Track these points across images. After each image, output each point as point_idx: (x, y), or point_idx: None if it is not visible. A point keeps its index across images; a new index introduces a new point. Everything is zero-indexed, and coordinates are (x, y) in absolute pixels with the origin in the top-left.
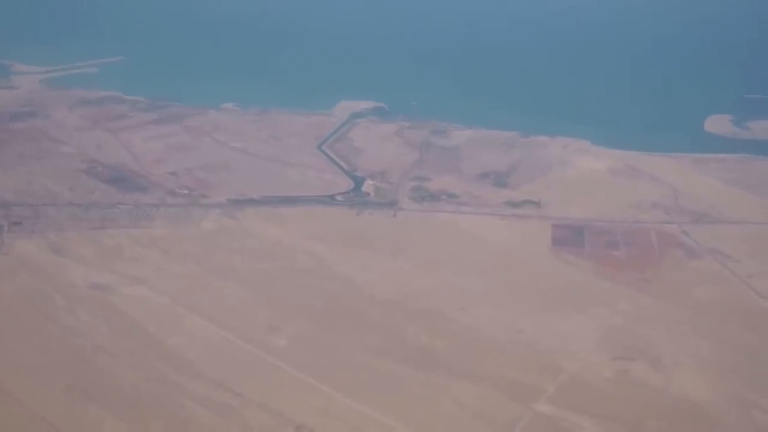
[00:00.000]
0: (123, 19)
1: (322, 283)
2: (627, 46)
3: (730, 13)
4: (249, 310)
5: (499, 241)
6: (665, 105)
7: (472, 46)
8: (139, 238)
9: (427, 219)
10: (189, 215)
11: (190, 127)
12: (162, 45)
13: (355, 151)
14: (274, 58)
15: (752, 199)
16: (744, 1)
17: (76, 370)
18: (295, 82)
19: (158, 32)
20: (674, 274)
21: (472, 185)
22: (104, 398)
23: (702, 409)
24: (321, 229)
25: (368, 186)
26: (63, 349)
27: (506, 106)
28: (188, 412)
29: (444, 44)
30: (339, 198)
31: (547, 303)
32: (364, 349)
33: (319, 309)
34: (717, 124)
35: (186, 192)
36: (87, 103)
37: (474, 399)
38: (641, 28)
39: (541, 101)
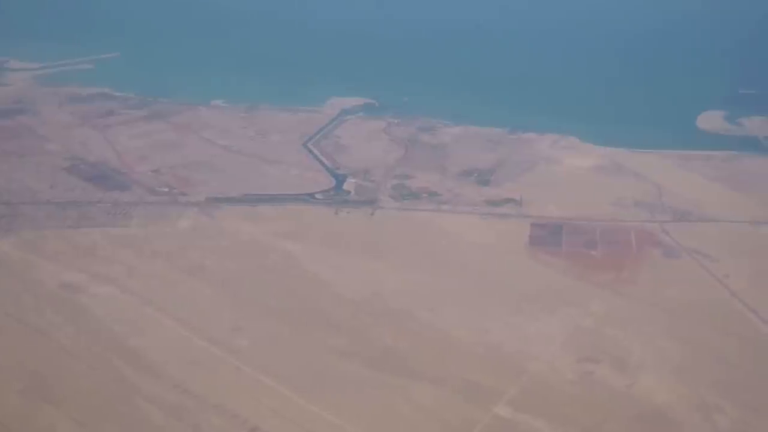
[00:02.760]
0: (120, 15)
1: (292, 283)
2: (622, 41)
3: (728, 6)
4: (215, 310)
5: (475, 240)
6: (659, 101)
7: (466, 40)
8: (114, 237)
9: (405, 218)
10: (166, 213)
11: (177, 124)
12: (159, 41)
13: (340, 148)
14: (271, 53)
15: (737, 196)
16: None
17: (36, 370)
18: (288, 78)
19: (156, 28)
20: (650, 274)
21: (455, 183)
22: (60, 400)
23: (663, 412)
24: (296, 228)
25: (350, 184)
26: (25, 350)
27: (498, 102)
28: (143, 414)
29: (438, 39)
30: (319, 196)
31: (517, 304)
32: (326, 350)
33: (286, 309)
34: (709, 120)
35: (166, 190)
36: (77, 100)
37: (432, 401)
38: (636, 21)
39: (533, 97)
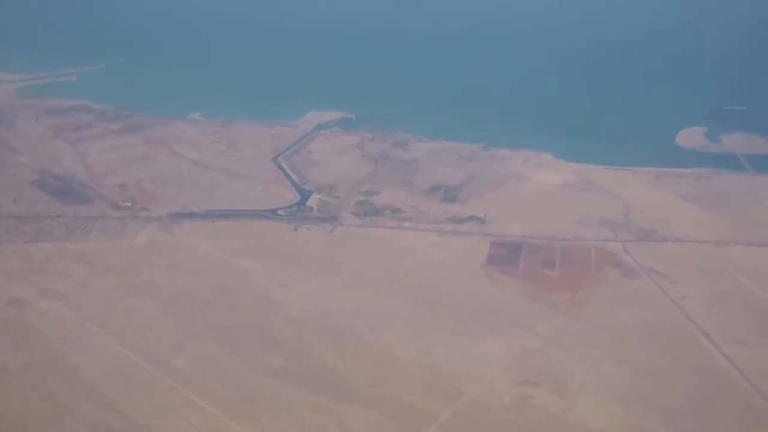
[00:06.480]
0: (107, 28)
1: (240, 301)
2: (607, 54)
3: (717, 20)
4: (158, 329)
5: (431, 258)
6: (640, 116)
7: (449, 54)
8: (69, 252)
9: (365, 235)
10: (125, 229)
11: (150, 137)
12: (145, 53)
13: (310, 163)
14: (253, 66)
15: (706, 215)
16: (727, 8)
17: None
18: (268, 92)
19: (142, 40)
20: (605, 294)
21: (420, 200)
22: None
23: None
24: (253, 245)
25: (314, 200)
26: None
27: (478, 117)
28: None
29: (422, 51)
30: (281, 212)
31: (464, 324)
32: (264, 370)
33: (230, 327)
34: (689, 137)
35: (129, 205)
36: (55, 113)
37: (363, 425)
38: (621, 35)
39: (513, 112)
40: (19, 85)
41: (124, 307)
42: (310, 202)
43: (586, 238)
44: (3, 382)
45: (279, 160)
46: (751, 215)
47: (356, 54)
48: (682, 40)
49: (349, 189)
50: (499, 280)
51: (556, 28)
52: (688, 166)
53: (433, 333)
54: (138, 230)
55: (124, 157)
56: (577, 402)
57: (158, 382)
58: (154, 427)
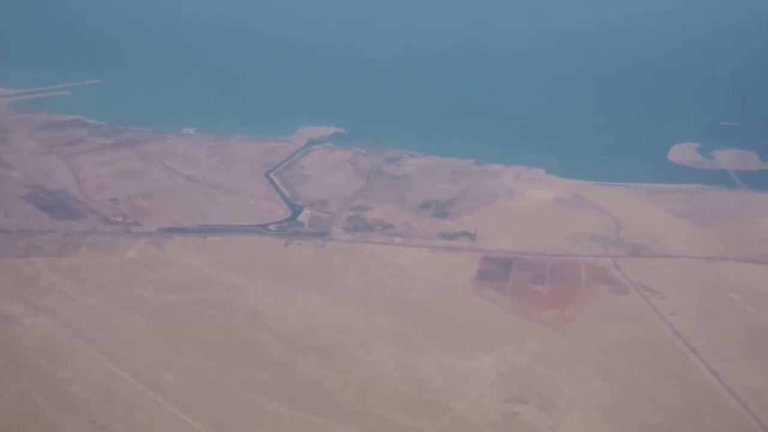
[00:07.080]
0: (102, 43)
1: (229, 316)
2: (607, 72)
3: (716, 38)
4: (146, 344)
5: (421, 274)
6: (636, 132)
7: (441, 70)
8: (59, 267)
9: (355, 250)
10: (116, 244)
11: (143, 152)
12: (140, 68)
13: (302, 179)
14: (249, 81)
15: (697, 231)
16: (726, 26)
17: None
18: (263, 107)
19: (138, 55)
20: (594, 310)
21: (411, 216)
22: None
23: None
24: (244, 260)
25: (305, 215)
26: None
27: (472, 133)
28: None
29: (414, 67)
30: (272, 228)
31: (453, 340)
32: (250, 386)
33: (218, 343)
34: (682, 152)
35: (120, 220)
36: (48, 128)
37: None
38: (623, 51)
39: (507, 127)
40: (12, 99)
41: (113, 323)
42: (301, 218)
43: (576, 254)
44: None
45: (271, 176)
46: (743, 231)
47: (349, 69)
48: (682, 58)
49: (340, 204)
50: (488, 296)
51: (551, 44)
52: (680, 181)
53: (422, 349)
54: (129, 245)
55: (117, 172)
56: (564, 419)
57: (145, 398)
58: None
